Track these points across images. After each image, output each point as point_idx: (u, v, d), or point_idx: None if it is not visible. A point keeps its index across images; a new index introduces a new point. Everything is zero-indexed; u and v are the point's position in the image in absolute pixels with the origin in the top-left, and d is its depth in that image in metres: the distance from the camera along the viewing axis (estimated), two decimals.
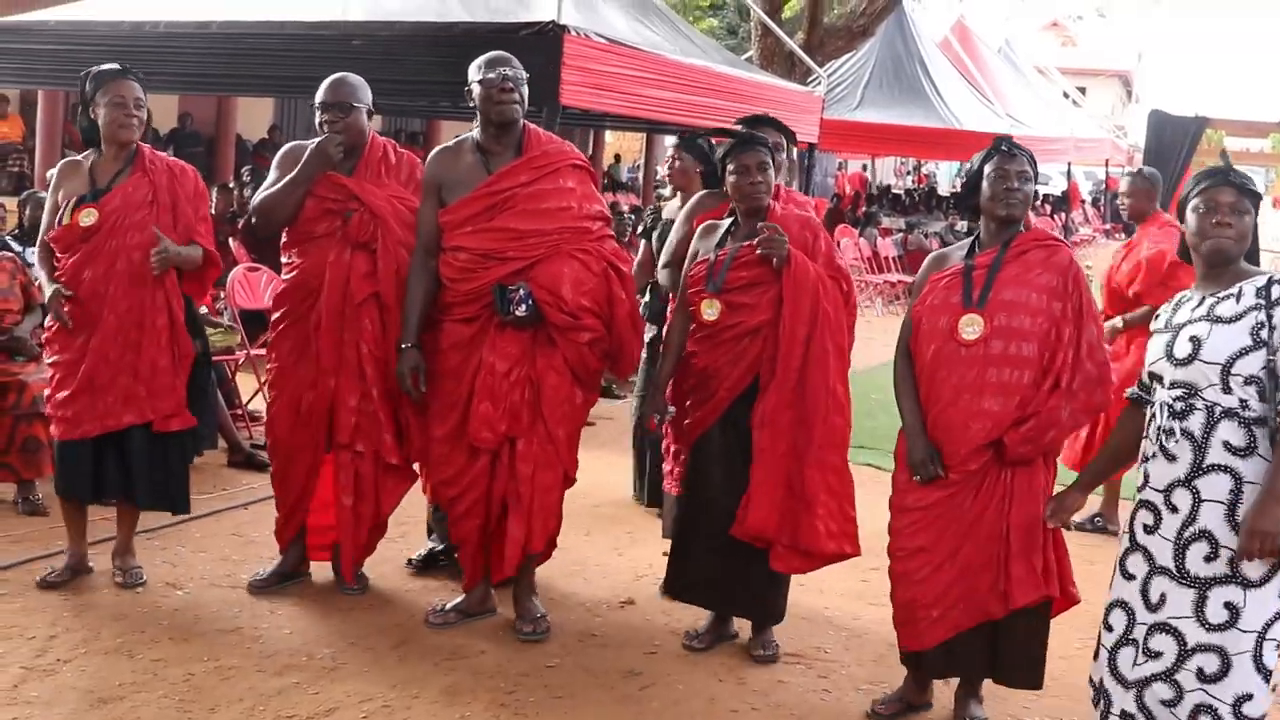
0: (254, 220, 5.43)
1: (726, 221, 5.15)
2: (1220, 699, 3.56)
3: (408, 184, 5.36)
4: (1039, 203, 30.54)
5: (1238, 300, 3.65)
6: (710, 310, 4.97)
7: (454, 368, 5.06)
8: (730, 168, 5.01)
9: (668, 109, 11.32)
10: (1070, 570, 4.48)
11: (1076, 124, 29.57)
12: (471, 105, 5.11)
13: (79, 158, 5.41)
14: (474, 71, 5.05)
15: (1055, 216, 29.14)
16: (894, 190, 31.09)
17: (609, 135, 27.02)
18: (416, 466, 5.45)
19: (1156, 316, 3.92)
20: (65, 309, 5.14)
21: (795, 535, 4.86)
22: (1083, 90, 44.03)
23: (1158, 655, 3.67)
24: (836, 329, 4.90)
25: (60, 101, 14.15)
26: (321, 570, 5.61)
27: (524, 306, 4.89)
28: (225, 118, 18.15)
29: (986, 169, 4.45)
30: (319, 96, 5.31)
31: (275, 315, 5.45)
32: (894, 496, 4.58)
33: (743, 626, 5.26)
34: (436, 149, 5.29)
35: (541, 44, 9.41)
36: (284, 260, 5.46)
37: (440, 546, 5.82)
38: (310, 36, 10.18)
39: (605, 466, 7.70)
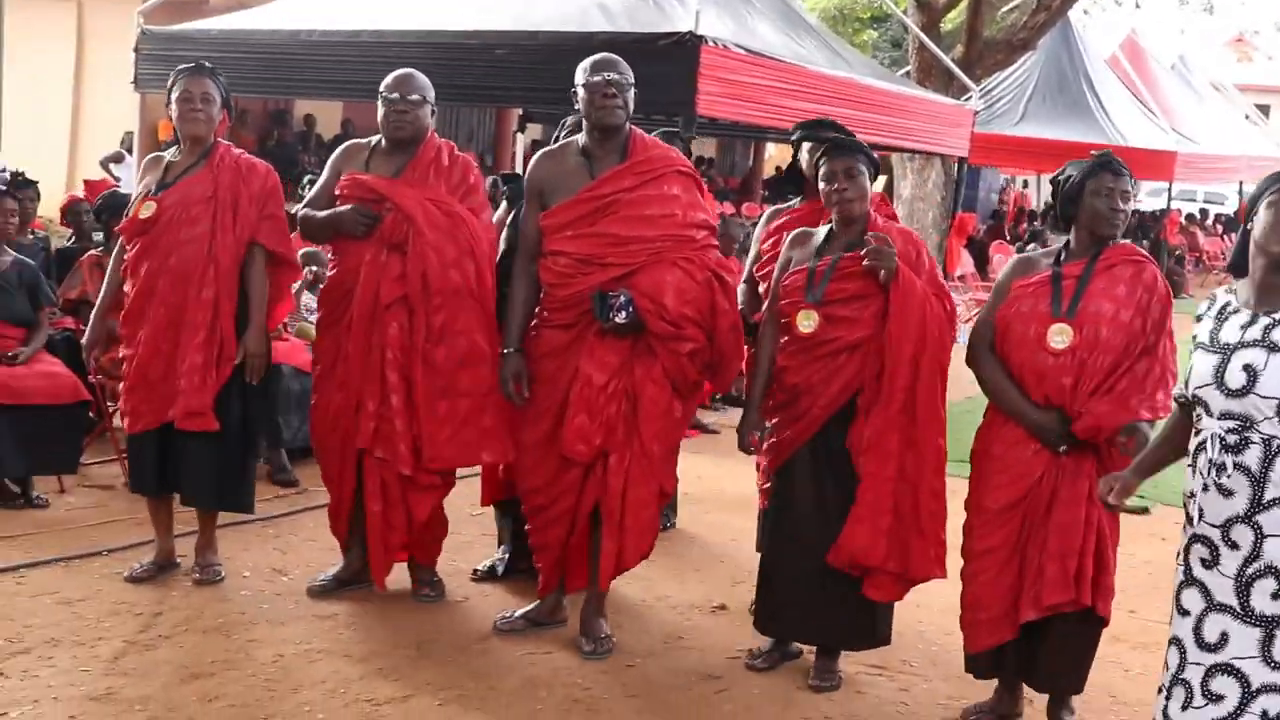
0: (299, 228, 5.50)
1: (823, 229, 4.95)
2: None
3: (458, 187, 5.26)
4: (1210, 222, 29.75)
5: None
6: (807, 322, 4.78)
7: (549, 374, 5.00)
8: (821, 174, 4.84)
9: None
10: (1111, 586, 4.44)
11: (1251, 143, 28.68)
12: (576, 109, 5.07)
13: (164, 153, 5.49)
14: (579, 75, 4.97)
15: (1226, 236, 28.30)
16: None
17: (771, 148, 26.99)
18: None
19: (1198, 319, 3.67)
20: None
21: (905, 562, 4.72)
22: (1265, 108, 42.64)
23: (1219, 699, 3.45)
24: (941, 348, 4.72)
25: None
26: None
27: (624, 313, 4.76)
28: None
29: (1090, 184, 4.40)
30: (386, 89, 5.27)
31: (319, 315, 5.47)
32: (972, 495, 4.59)
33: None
34: (540, 152, 5.19)
35: (679, 54, 9.55)
36: (329, 258, 5.51)
37: (505, 558, 5.83)
38: (457, 46, 10.46)
39: (723, 474, 7.78)
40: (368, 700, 4.48)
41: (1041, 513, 4.39)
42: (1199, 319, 3.67)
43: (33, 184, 7.86)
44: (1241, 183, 27.58)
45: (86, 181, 15.64)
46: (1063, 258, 4.51)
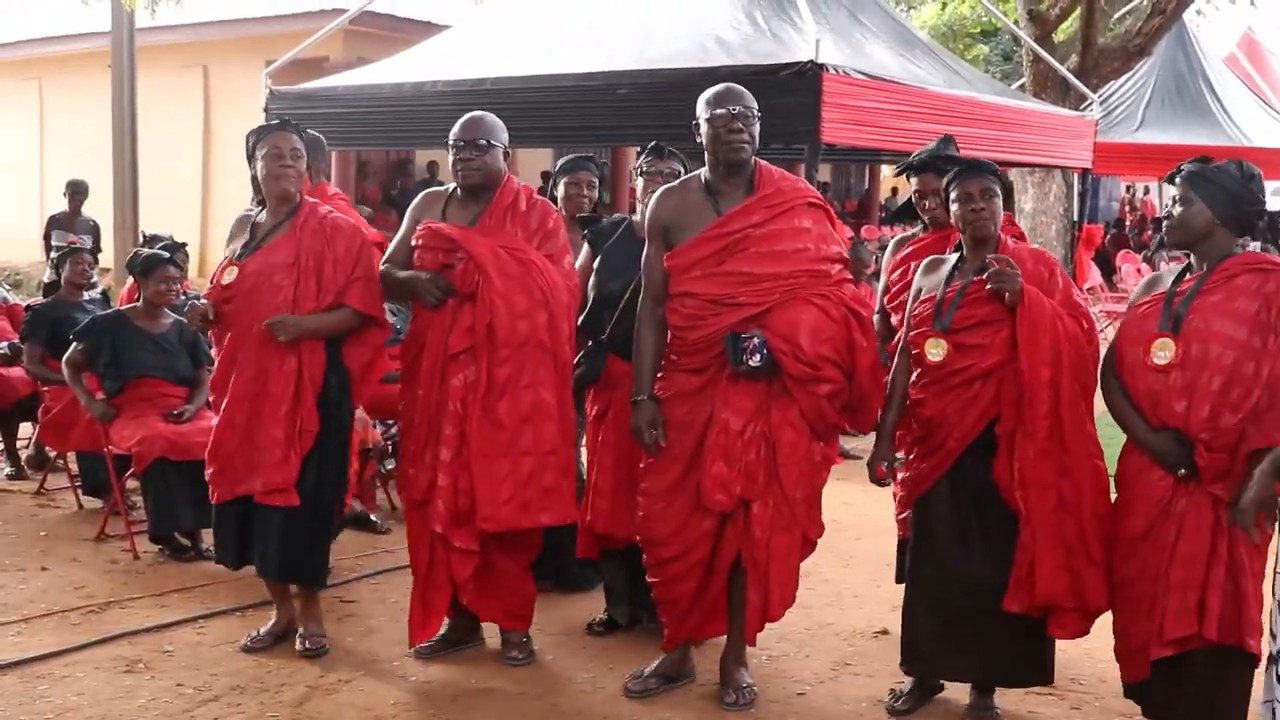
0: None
1: (953, 256, 4.84)
2: None
3: (536, 233, 5.09)
4: None
5: None
6: (936, 351, 4.63)
7: (679, 419, 4.77)
8: (954, 195, 4.69)
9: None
10: (1255, 619, 4.13)
11: None
12: (699, 142, 4.84)
13: (250, 212, 5.35)
14: (701, 108, 4.77)
15: None
16: None
17: (885, 169, 26.92)
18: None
19: None
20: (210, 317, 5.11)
21: (1084, 596, 4.47)
22: None
23: None
24: (1081, 368, 4.53)
25: (351, 161, 15.09)
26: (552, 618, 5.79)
27: (758, 356, 4.56)
28: (509, 167, 18.89)
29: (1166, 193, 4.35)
30: (454, 135, 5.11)
31: (401, 368, 5.31)
32: (1113, 524, 4.45)
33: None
34: (661, 189, 4.94)
35: (801, 84, 9.59)
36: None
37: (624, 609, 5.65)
38: (580, 88, 10.62)
39: (870, 500, 7.76)
40: None
41: (1171, 541, 4.19)
42: None
43: (182, 246, 8.09)
44: None
45: None
46: (1185, 274, 4.34)
